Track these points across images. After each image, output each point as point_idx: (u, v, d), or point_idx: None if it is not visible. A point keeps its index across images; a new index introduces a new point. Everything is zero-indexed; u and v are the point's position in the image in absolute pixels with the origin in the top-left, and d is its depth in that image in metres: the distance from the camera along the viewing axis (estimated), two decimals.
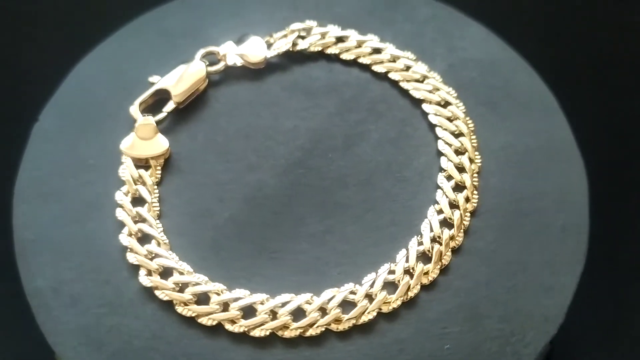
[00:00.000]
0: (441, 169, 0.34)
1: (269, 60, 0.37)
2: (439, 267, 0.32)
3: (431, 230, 0.33)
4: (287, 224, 0.33)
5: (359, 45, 0.37)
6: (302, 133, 0.35)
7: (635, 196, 0.45)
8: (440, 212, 0.33)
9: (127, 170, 0.34)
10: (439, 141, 0.35)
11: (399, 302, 0.32)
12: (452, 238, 0.33)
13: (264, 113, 0.36)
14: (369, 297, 0.32)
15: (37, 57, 0.46)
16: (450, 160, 0.34)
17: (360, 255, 0.33)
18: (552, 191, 0.34)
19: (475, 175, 0.34)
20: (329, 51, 0.37)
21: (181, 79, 0.35)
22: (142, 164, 0.34)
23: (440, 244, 0.33)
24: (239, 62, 0.36)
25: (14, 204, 0.34)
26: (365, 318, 0.31)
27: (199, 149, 0.35)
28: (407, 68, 0.37)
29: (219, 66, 0.36)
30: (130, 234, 0.33)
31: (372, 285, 0.32)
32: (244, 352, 0.31)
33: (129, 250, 0.32)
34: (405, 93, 0.36)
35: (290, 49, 0.37)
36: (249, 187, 0.34)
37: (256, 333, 0.31)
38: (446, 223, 0.33)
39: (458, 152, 0.35)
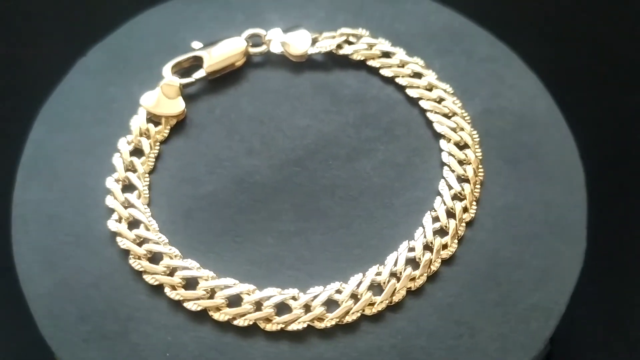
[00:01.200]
0: (433, 209, 0.33)
1: (310, 56, 0.37)
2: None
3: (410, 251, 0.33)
4: (262, 214, 0.34)
5: (402, 65, 0.37)
6: (312, 134, 0.35)
7: (635, 196, 0.44)
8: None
9: (136, 122, 0.35)
10: (442, 180, 0.34)
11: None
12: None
13: (284, 105, 0.36)
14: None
15: (37, 57, 0.47)
16: (445, 204, 0.33)
17: (315, 265, 0.33)
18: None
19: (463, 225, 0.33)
20: (370, 63, 0.37)
21: (217, 51, 0.36)
22: (155, 119, 0.36)
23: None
24: (280, 51, 0.37)
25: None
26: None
27: (212, 121, 0.36)
28: (440, 100, 0.36)
29: (261, 49, 0.37)
30: (117, 181, 0.34)
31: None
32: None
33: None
34: (429, 124, 0.35)
35: (334, 51, 0.37)
36: (242, 169, 0.35)
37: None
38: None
39: (456, 197, 0.34)
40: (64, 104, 0.36)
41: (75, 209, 0.34)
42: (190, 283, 0.32)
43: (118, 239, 0.33)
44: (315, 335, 0.32)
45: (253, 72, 0.37)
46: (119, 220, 0.33)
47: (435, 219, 0.33)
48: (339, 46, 0.37)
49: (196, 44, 0.37)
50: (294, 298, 0.32)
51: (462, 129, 0.35)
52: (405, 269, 0.32)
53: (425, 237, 0.33)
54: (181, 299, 0.32)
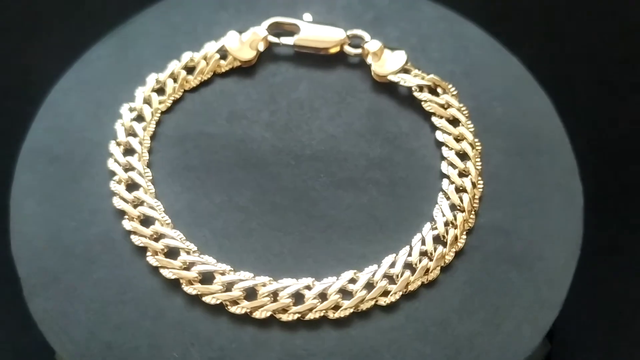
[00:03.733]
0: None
1: (391, 82, 0.38)
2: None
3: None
4: (243, 192, 0.35)
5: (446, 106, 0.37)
6: (319, 137, 0.36)
7: (635, 196, 0.44)
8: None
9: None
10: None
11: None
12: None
13: (307, 103, 0.37)
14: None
15: (37, 57, 0.48)
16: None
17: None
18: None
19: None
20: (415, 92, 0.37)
21: (316, 31, 0.38)
22: (227, 61, 0.38)
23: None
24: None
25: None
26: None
27: (245, 101, 0.37)
28: (459, 139, 0.36)
29: (357, 51, 0.38)
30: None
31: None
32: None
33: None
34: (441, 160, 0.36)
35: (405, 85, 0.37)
36: (247, 148, 0.36)
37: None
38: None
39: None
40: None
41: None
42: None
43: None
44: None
45: (305, 67, 0.38)
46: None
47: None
48: (420, 88, 0.37)
49: (307, 16, 0.38)
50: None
51: (477, 184, 0.36)
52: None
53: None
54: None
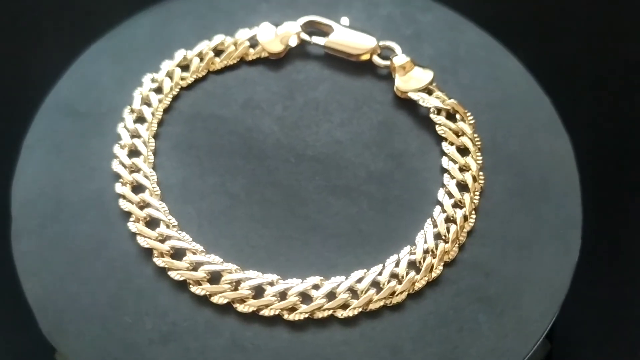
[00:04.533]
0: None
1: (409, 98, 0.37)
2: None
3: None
4: (237, 179, 0.36)
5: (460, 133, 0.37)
6: (325, 140, 0.37)
7: (635, 196, 0.44)
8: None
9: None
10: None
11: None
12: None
13: (323, 105, 0.37)
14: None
15: (37, 57, 0.48)
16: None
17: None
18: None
19: None
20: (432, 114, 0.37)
21: (347, 36, 0.38)
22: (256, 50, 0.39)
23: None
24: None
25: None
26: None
27: (263, 91, 0.38)
28: (464, 169, 0.36)
29: (385, 63, 0.38)
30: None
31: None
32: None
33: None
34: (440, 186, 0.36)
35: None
36: (252, 137, 0.37)
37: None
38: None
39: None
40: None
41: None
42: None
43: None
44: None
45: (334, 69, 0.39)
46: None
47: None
48: (438, 111, 0.37)
49: (344, 20, 0.38)
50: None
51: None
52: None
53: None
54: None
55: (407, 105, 0.37)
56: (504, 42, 0.39)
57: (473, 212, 0.35)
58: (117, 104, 0.38)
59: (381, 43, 0.38)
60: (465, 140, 0.36)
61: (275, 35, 0.38)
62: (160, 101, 0.37)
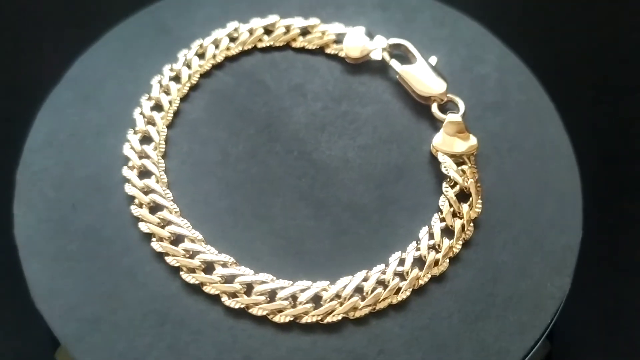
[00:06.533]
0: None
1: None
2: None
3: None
4: (241, 155, 0.36)
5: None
6: (334, 153, 0.36)
7: (635, 196, 0.44)
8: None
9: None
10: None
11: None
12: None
13: (360, 124, 0.37)
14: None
15: (37, 57, 0.48)
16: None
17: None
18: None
19: None
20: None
21: (420, 72, 0.37)
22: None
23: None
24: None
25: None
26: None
27: (312, 85, 0.38)
28: (458, 216, 0.35)
29: (442, 115, 0.37)
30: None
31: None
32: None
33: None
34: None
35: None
36: (274, 122, 0.37)
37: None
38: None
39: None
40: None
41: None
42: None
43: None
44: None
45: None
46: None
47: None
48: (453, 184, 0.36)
49: (433, 59, 0.38)
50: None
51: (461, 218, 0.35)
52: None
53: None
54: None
55: (434, 163, 0.36)
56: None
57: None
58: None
59: (449, 94, 0.37)
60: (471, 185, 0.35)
61: (362, 44, 0.38)
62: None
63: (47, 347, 0.34)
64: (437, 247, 0.34)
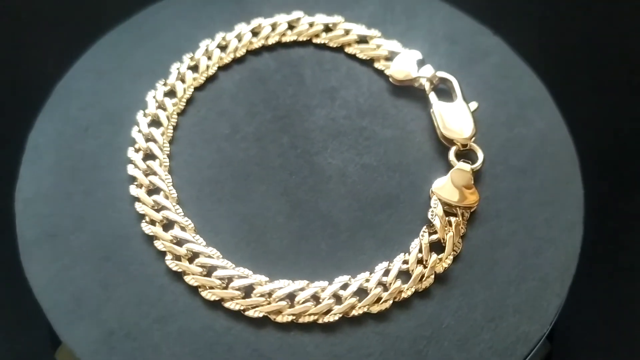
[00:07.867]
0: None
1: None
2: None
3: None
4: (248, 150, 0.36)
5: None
6: (334, 162, 0.36)
7: (635, 196, 0.44)
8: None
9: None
10: None
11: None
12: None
13: (377, 145, 0.37)
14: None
15: (37, 57, 0.48)
16: None
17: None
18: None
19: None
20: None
21: (454, 112, 0.37)
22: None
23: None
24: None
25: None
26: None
27: (341, 92, 0.38)
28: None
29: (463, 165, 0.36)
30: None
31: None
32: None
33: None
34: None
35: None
36: (286, 122, 0.37)
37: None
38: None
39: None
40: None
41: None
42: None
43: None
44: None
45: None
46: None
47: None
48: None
49: (473, 105, 0.37)
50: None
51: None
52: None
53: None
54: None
55: (428, 205, 0.35)
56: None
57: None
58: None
59: (472, 141, 0.36)
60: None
61: (408, 69, 0.38)
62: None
63: (47, 347, 0.35)
64: (386, 286, 0.33)
